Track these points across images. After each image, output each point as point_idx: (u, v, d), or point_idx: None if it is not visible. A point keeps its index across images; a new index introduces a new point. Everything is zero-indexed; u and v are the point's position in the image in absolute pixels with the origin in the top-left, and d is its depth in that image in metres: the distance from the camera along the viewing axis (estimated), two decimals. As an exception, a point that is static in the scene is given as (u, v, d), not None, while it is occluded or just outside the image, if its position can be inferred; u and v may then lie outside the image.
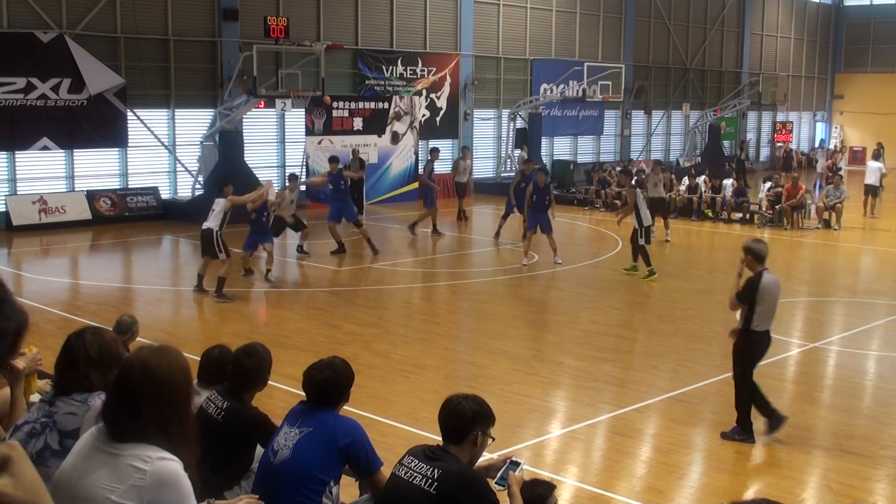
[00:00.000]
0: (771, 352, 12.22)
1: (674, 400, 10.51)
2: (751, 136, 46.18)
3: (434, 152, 23.78)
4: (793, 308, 15.49)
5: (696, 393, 10.69)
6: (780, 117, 46.66)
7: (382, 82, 30.10)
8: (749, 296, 9.14)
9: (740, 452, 9.07)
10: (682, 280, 17.69)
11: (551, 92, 34.36)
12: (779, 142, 45.46)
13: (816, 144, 49.59)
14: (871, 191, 28.33)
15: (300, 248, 19.32)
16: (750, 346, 9.28)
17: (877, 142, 38.51)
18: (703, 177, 27.67)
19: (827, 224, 25.06)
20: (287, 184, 19.35)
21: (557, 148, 36.75)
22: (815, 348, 13.03)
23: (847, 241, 23.64)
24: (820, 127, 51.23)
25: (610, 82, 33.70)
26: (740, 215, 25.92)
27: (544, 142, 35.10)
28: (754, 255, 9.20)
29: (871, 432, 9.70)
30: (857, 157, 46.60)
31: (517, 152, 33.33)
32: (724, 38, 44.14)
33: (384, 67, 30.05)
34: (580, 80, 33.17)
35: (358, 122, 28.21)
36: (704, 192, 27.06)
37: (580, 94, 33.32)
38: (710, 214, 26.48)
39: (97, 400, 4.25)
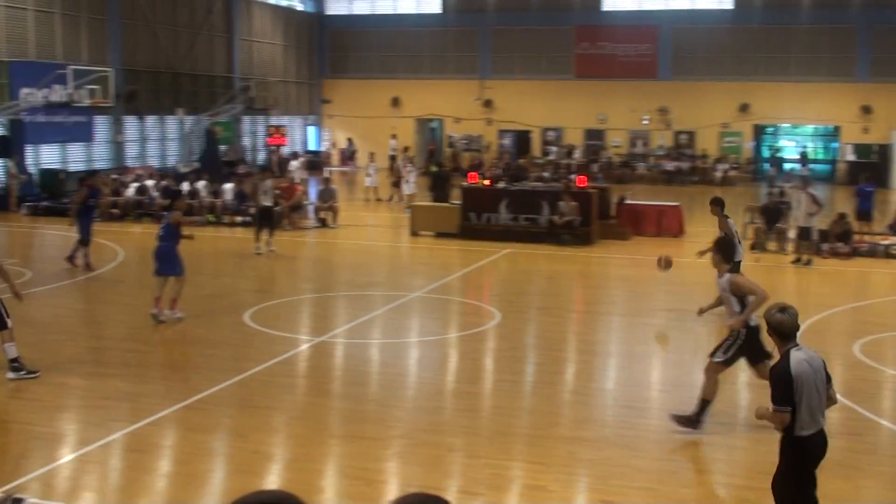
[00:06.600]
0: (279, 349, 12.63)
1: (189, 408, 10.29)
2: (247, 140, 46.96)
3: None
4: (299, 305, 16.02)
5: (211, 398, 10.58)
6: (275, 121, 47.97)
7: None
8: (786, 393, 6.50)
9: (258, 453, 9.12)
10: (189, 286, 17.39)
11: (34, 96, 32.09)
12: (272, 145, 46.62)
13: (318, 147, 51.95)
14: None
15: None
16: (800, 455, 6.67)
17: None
18: (203, 182, 27.71)
19: (324, 223, 26.25)
20: None
21: (45, 156, 34.44)
22: (323, 342, 13.53)
23: (343, 238, 24.92)
24: (312, 130, 53.52)
25: (99, 86, 32.28)
26: (241, 218, 26.19)
27: (30, 150, 32.73)
28: (776, 332, 6.68)
29: (379, 416, 10.28)
30: (349, 156, 49.78)
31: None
32: (214, 42, 44.39)
33: None
34: (65, 83, 31.37)
35: None
36: (205, 196, 27.06)
37: (66, 98, 31.50)
38: (211, 219, 26.45)
39: None
